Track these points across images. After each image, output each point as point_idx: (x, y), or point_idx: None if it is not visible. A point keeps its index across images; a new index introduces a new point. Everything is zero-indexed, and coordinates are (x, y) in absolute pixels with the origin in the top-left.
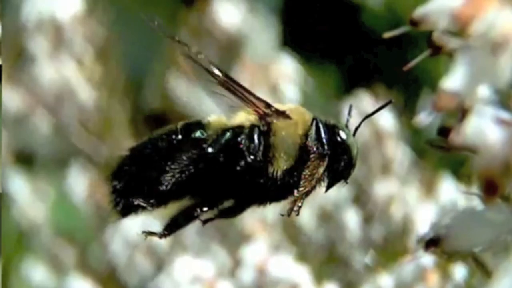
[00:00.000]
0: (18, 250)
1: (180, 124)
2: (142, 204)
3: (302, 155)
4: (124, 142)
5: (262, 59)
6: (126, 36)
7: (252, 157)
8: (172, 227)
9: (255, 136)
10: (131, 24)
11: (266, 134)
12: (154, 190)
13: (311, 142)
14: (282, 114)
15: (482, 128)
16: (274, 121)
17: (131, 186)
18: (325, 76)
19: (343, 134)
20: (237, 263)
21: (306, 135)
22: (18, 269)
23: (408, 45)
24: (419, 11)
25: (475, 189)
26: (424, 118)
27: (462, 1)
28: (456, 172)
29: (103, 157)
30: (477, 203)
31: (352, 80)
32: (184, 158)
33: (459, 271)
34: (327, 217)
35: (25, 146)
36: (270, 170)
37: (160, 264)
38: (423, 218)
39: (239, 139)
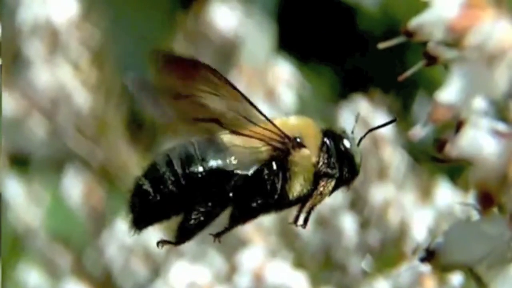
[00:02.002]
0: (14, 254)
1: (197, 146)
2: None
3: (315, 180)
4: (119, 146)
5: (258, 63)
6: (122, 40)
7: (271, 196)
8: (187, 234)
9: (274, 176)
10: (127, 28)
11: (283, 169)
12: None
13: (323, 166)
14: (298, 145)
15: (478, 140)
16: (291, 153)
17: (150, 215)
18: (321, 80)
19: (347, 143)
20: (233, 268)
21: (318, 160)
22: (13, 273)
23: (404, 48)
24: (414, 22)
25: (471, 197)
26: (419, 130)
27: (457, 12)
28: (453, 177)
29: (98, 161)
30: (473, 213)
31: (348, 84)
32: (205, 194)
33: (456, 276)
34: (324, 223)
35: (20, 150)
36: (285, 197)
37: (155, 269)
38: (420, 223)
39: (259, 179)
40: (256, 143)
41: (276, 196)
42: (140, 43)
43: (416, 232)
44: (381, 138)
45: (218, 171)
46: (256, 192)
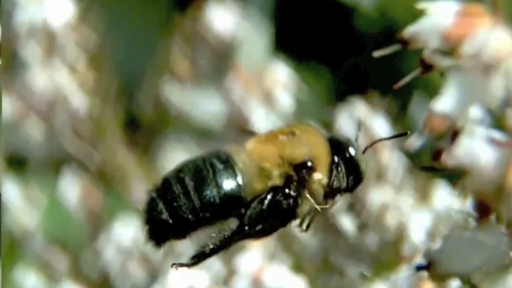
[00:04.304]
0: (10, 256)
1: (210, 168)
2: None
3: (325, 196)
4: (116, 148)
5: (255, 65)
6: (118, 43)
7: (282, 218)
8: (200, 256)
9: (287, 201)
10: (124, 30)
11: (295, 194)
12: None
13: (333, 185)
14: (309, 170)
15: (474, 149)
16: (303, 178)
17: (165, 229)
18: (319, 82)
19: (352, 151)
20: (232, 272)
21: (329, 181)
22: (10, 276)
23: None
24: (409, 30)
25: (469, 202)
26: (416, 140)
27: (453, 20)
28: (451, 179)
29: (95, 163)
30: (470, 219)
31: (346, 85)
32: (218, 218)
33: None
34: (322, 226)
35: (17, 152)
36: (295, 217)
37: (153, 272)
38: (418, 226)
39: (271, 204)
40: (269, 169)
41: (287, 218)
42: (137, 45)
43: (414, 235)
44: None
45: (231, 196)
46: (268, 216)
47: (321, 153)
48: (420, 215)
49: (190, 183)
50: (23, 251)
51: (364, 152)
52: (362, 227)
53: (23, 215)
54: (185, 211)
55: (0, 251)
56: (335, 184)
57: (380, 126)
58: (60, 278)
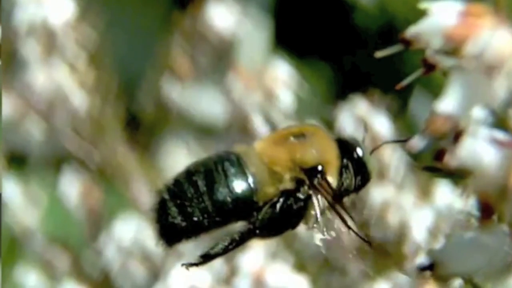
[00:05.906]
0: (11, 255)
1: (222, 172)
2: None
3: (334, 199)
4: (116, 147)
5: (255, 63)
6: (118, 41)
7: (291, 221)
8: (209, 256)
9: (297, 205)
10: (124, 29)
11: (306, 198)
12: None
13: (343, 188)
14: (320, 175)
15: (477, 149)
16: (314, 183)
17: (178, 232)
18: (319, 78)
19: (360, 152)
20: (233, 271)
21: (338, 185)
22: (11, 275)
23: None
24: (412, 30)
25: (471, 200)
26: (418, 142)
27: (455, 20)
28: (452, 177)
29: (96, 161)
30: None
31: (346, 83)
32: (230, 221)
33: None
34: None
35: (18, 151)
36: (303, 219)
37: (154, 271)
38: (419, 224)
39: (282, 208)
40: (281, 173)
41: (296, 221)
42: (137, 44)
43: (415, 233)
44: (380, 138)
45: (243, 200)
46: (278, 219)
47: (331, 156)
48: (422, 213)
49: (202, 187)
50: (24, 250)
51: (370, 154)
52: (364, 225)
53: (23, 214)
54: (198, 215)
55: (0, 250)
56: (344, 185)
57: (381, 124)
58: (61, 277)
